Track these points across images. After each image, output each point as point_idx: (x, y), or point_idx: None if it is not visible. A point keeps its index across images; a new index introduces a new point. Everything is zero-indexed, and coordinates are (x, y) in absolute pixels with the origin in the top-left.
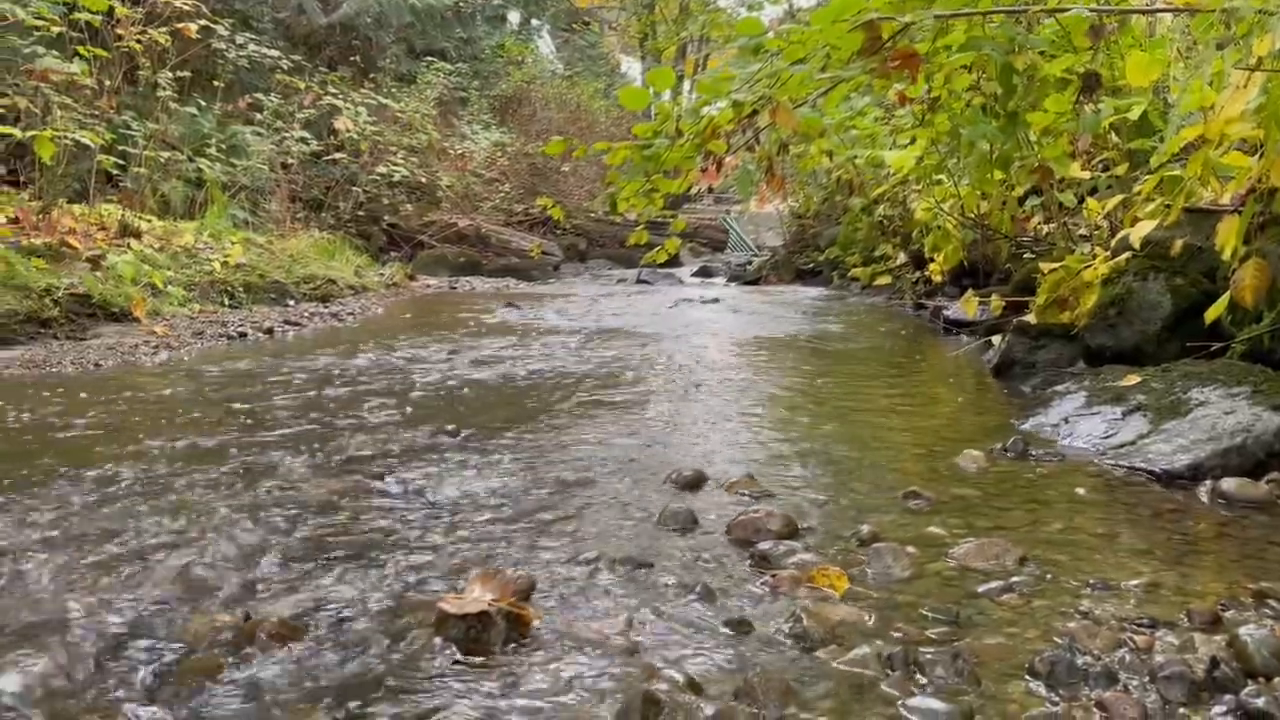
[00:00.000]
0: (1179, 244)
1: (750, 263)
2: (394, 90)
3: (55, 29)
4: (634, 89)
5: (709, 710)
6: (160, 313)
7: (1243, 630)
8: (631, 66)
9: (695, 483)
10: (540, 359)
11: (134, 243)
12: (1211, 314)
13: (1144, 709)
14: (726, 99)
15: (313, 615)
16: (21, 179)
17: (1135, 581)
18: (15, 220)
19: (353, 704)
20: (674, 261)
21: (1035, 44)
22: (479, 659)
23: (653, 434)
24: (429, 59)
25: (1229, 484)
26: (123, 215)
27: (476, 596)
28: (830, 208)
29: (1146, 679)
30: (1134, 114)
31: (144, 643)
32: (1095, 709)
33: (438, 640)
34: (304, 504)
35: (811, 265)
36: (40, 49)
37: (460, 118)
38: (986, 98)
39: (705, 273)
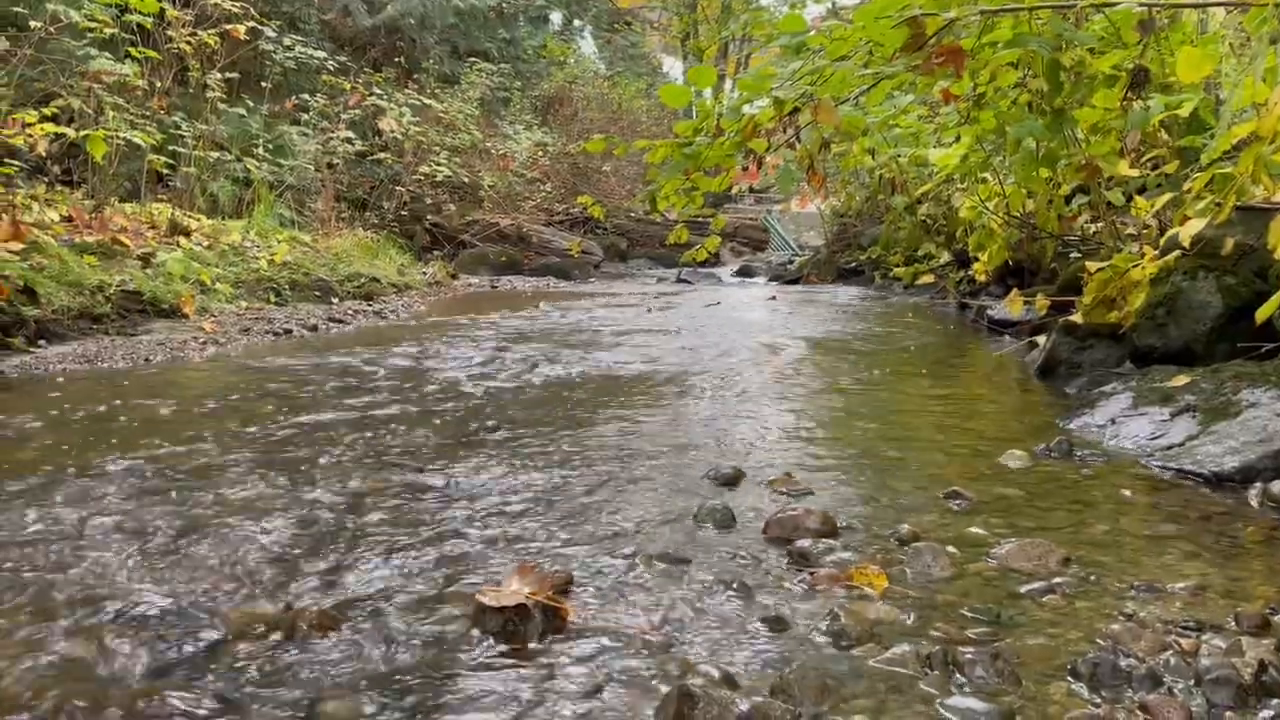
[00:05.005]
0: (1230, 243)
1: (791, 262)
2: (437, 91)
3: (108, 31)
4: (675, 86)
5: (744, 706)
6: (208, 309)
7: None
8: (673, 66)
9: (734, 479)
10: (579, 356)
11: (183, 241)
12: (1263, 314)
13: (1189, 713)
14: (768, 97)
15: (352, 606)
16: (75, 178)
17: (1181, 584)
18: (69, 218)
19: (391, 694)
20: (715, 261)
21: (1083, 39)
22: (516, 652)
23: (691, 431)
24: (472, 60)
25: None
26: (172, 214)
27: (514, 590)
28: (873, 206)
29: (1192, 682)
30: (1184, 110)
31: (187, 630)
32: (1139, 712)
33: (475, 632)
34: (345, 497)
35: (853, 264)
36: (93, 50)
37: (502, 118)
38: (1033, 94)
39: (746, 272)
